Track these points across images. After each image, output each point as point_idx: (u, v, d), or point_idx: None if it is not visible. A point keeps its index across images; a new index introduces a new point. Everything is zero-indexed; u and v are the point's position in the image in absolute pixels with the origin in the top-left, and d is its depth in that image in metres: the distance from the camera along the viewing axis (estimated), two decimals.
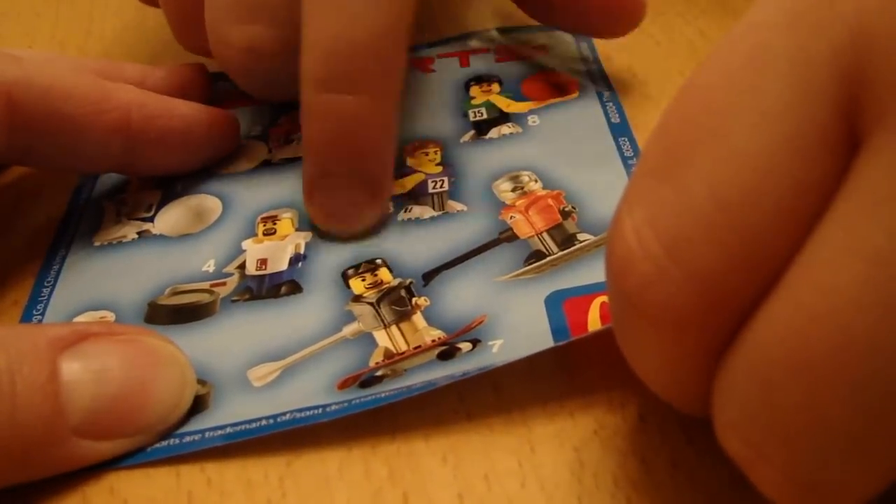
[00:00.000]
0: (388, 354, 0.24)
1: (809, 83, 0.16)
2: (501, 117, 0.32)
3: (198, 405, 0.24)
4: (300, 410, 0.23)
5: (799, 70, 0.16)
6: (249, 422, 0.23)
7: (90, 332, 0.22)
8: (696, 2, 0.37)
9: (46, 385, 0.21)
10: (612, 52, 0.34)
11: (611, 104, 0.32)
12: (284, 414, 0.23)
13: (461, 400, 0.23)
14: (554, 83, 0.33)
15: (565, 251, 0.26)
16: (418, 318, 0.25)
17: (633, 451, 0.21)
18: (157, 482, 0.22)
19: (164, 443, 0.23)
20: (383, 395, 0.23)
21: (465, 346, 0.24)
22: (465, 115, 0.32)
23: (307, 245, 0.28)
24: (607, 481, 0.21)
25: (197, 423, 0.23)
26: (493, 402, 0.23)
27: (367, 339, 0.25)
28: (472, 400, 0.23)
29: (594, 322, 0.24)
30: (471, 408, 0.23)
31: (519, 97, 0.33)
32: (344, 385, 0.24)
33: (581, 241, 0.26)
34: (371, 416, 0.23)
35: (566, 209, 0.28)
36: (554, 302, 0.25)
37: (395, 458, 0.22)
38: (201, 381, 0.24)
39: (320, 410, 0.23)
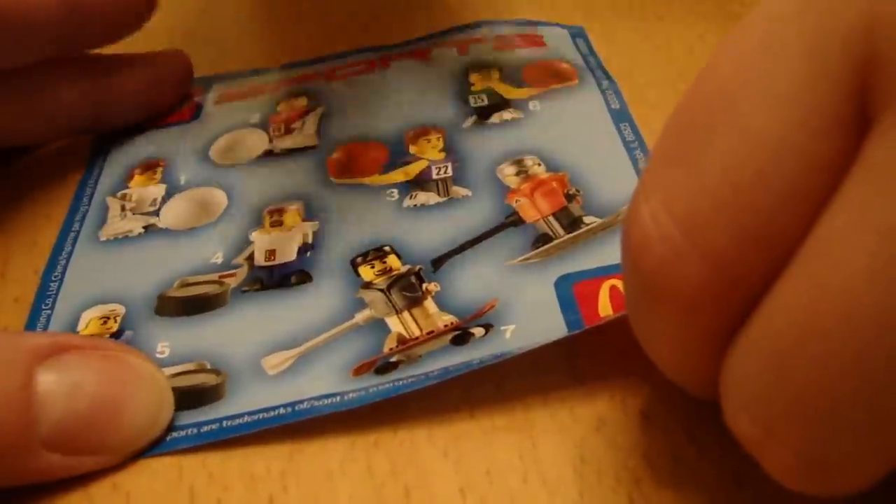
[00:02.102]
0: (402, 340, 0.24)
1: (822, 66, 0.16)
2: (503, 103, 0.32)
3: (213, 394, 0.24)
4: (318, 398, 0.23)
5: (811, 54, 0.16)
6: (267, 410, 0.23)
7: (72, 344, 0.22)
8: (697, 7, 0.37)
9: (19, 393, 0.21)
10: (612, 55, 0.34)
11: (610, 92, 0.32)
12: (302, 402, 0.23)
13: (464, 395, 0.23)
14: (553, 71, 0.33)
15: (572, 234, 0.26)
16: (430, 304, 0.25)
17: (635, 447, 0.21)
18: (159, 476, 0.22)
19: (182, 433, 0.23)
20: (401, 382, 0.23)
21: (478, 332, 0.24)
22: (466, 102, 0.32)
23: (315, 234, 0.28)
24: (609, 477, 0.21)
25: (214, 412, 0.23)
26: (495, 397, 0.23)
27: (379, 326, 0.25)
28: (474, 395, 0.23)
29: (605, 306, 0.24)
30: (473, 403, 0.23)
31: (519, 84, 0.33)
32: (359, 371, 0.24)
33: (587, 224, 0.27)
34: (373, 409, 0.23)
35: (571, 192, 0.28)
36: (564, 285, 0.25)
37: (397, 452, 0.22)
38: (215, 371, 0.24)
39: (338, 399, 0.23)
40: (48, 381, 0.21)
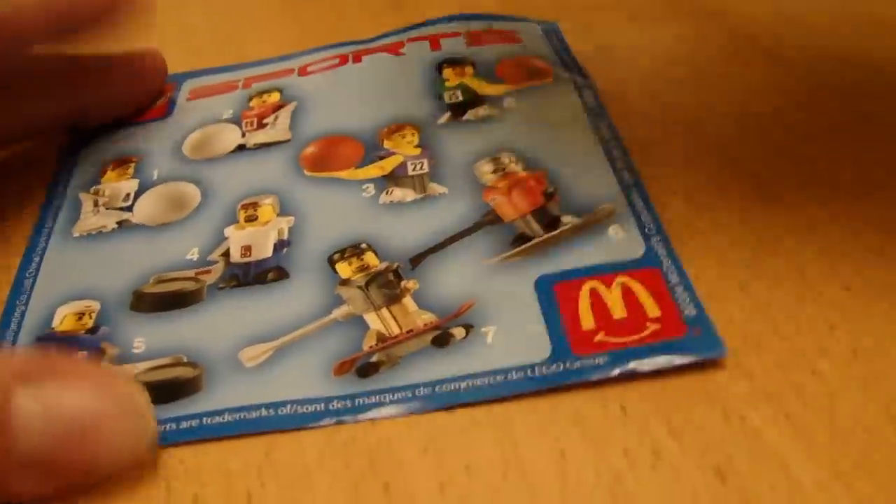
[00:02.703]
0: (381, 338, 0.24)
1: None
2: (477, 99, 0.32)
3: (190, 387, 0.24)
4: (301, 403, 0.23)
5: None
6: (248, 409, 0.23)
7: (56, 368, 0.22)
8: (676, 6, 0.37)
9: None
10: (586, 52, 0.34)
11: (585, 89, 0.32)
12: (285, 405, 0.23)
13: None
14: (528, 67, 0.33)
15: (551, 234, 0.26)
16: (408, 301, 0.25)
17: (615, 443, 0.21)
18: (134, 470, 0.22)
19: (161, 427, 0.23)
20: (386, 398, 0.23)
21: (459, 332, 0.24)
22: (440, 97, 0.32)
23: (290, 230, 0.28)
24: (589, 472, 0.21)
25: (193, 406, 0.23)
26: None
27: (358, 322, 0.25)
28: None
29: (585, 308, 0.24)
30: None
31: (493, 79, 0.33)
32: (340, 370, 0.23)
33: (565, 224, 0.26)
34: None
35: (548, 191, 0.28)
36: (544, 286, 0.25)
37: (375, 448, 0.22)
38: (192, 364, 0.24)
39: (322, 407, 0.23)
40: (27, 403, 0.21)
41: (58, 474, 0.21)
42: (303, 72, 0.35)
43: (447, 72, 0.33)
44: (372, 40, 0.36)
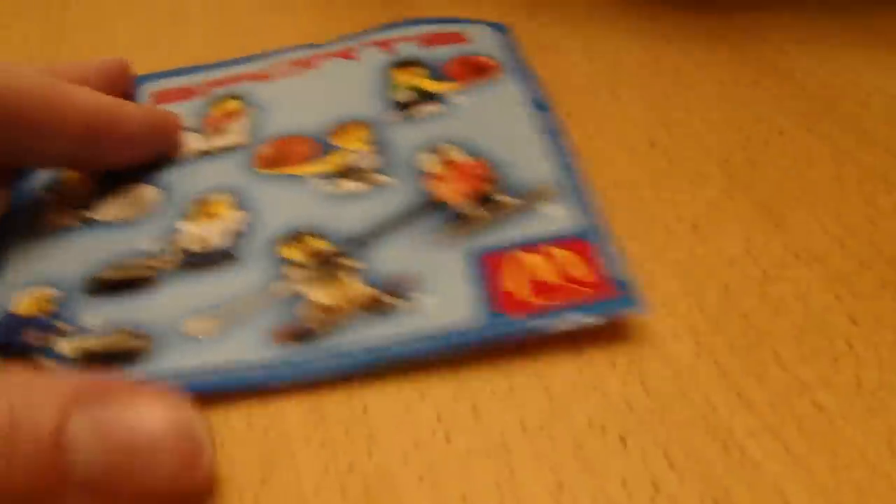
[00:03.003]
0: (320, 308, 0.25)
1: None
2: (425, 97, 0.33)
3: (139, 355, 0.25)
4: (246, 367, 0.24)
5: None
6: (196, 373, 0.24)
7: (114, 389, 0.22)
8: (618, 23, 0.38)
9: (53, 437, 0.20)
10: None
11: (530, 84, 0.33)
12: (231, 370, 0.24)
13: (439, 419, 0.23)
14: (475, 65, 0.34)
15: (487, 214, 0.27)
16: (348, 278, 0.26)
17: (613, 474, 0.21)
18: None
19: None
20: (328, 360, 0.24)
21: (394, 302, 0.25)
22: (390, 97, 0.33)
23: (242, 222, 0.29)
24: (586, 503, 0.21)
25: (139, 373, 0.24)
26: (472, 423, 0.23)
27: (300, 297, 0.26)
28: (449, 419, 0.23)
29: (509, 274, 0.25)
30: (449, 427, 0.23)
31: (442, 78, 0.34)
32: (280, 337, 0.25)
33: (502, 205, 0.28)
34: (347, 433, 0.23)
35: (489, 177, 0.29)
36: (475, 258, 0.26)
37: (371, 477, 0.22)
38: (142, 335, 0.25)
39: (267, 370, 0.24)
40: (83, 426, 0.21)
41: (112, 496, 0.21)
42: (261, 77, 0.36)
43: (399, 73, 0.34)
44: (327, 45, 0.37)
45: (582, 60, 0.36)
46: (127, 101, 0.31)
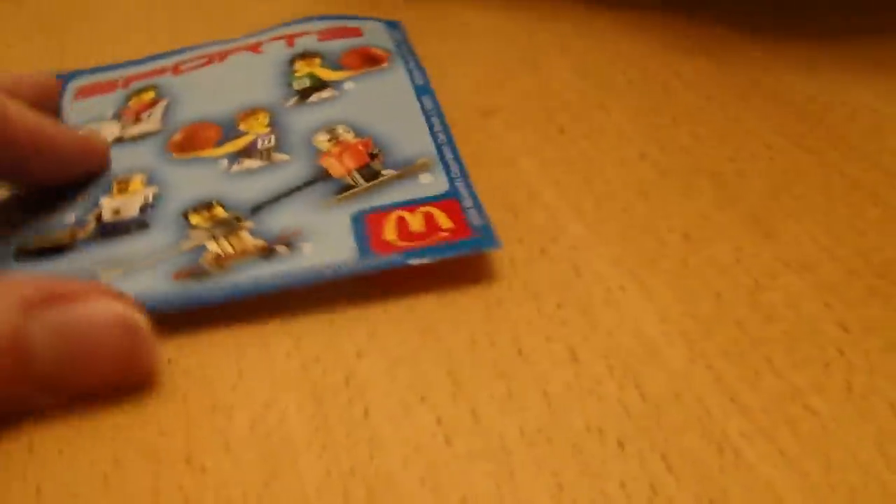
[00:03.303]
0: (217, 256, 0.28)
1: None
2: (322, 85, 0.36)
3: None
4: (148, 298, 0.26)
5: None
6: None
7: (57, 292, 0.24)
8: (605, 40, 0.39)
9: (15, 332, 0.23)
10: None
11: (415, 71, 0.37)
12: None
13: (439, 423, 0.23)
14: (368, 56, 0.38)
15: (371, 183, 0.31)
16: (244, 233, 0.29)
17: (612, 477, 0.21)
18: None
19: None
20: (218, 290, 0.27)
21: (282, 249, 0.28)
22: (290, 85, 0.36)
23: (154, 196, 0.32)
24: None
25: None
26: (471, 426, 0.23)
27: (199, 249, 0.29)
28: (450, 423, 0.23)
29: (390, 230, 0.28)
30: (449, 431, 0.23)
31: (337, 68, 0.37)
32: (179, 275, 0.28)
33: (385, 176, 0.31)
34: (349, 437, 0.23)
35: (373, 152, 0.32)
36: (357, 217, 0.29)
37: (373, 479, 0.22)
38: None
39: (162, 301, 0.27)
40: (39, 328, 0.23)
41: (66, 388, 0.24)
42: (176, 70, 0.39)
43: (298, 64, 0.38)
44: (236, 40, 0.41)
45: (573, 77, 0.37)
46: (61, 123, 0.34)
